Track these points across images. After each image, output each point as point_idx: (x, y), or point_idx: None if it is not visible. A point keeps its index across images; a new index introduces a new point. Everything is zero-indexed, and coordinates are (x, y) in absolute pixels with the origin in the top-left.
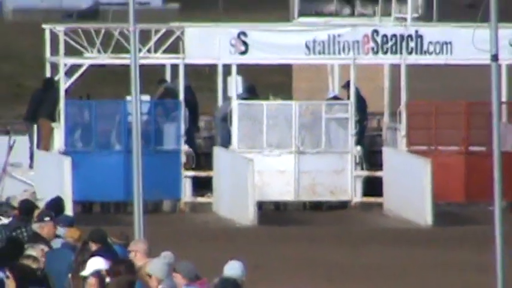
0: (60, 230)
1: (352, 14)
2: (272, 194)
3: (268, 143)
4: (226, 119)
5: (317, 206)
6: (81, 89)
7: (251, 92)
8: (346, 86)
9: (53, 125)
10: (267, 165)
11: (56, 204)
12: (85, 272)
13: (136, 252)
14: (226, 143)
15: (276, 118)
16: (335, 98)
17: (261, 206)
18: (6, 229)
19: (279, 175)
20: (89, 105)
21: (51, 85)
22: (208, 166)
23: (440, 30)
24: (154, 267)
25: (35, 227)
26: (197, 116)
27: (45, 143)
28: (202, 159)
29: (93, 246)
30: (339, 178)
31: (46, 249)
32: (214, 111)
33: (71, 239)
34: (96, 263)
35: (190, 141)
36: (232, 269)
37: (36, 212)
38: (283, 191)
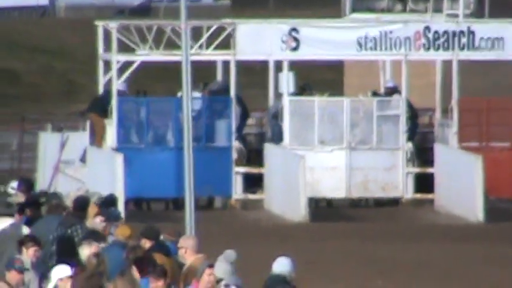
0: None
1: (403, 11)
2: (324, 190)
3: (319, 140)
4: (277, 115)
5: (368, 203)
6: (132, 86)
7: (307, 90)
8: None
9: (106, 121)
10: (319, 162)
11: (109, 202)
12: (50, 286)
13: (186, 249)
14: (277, 139)
15: (327, 114)
16: (393, 88)
17: (311, 202)
18: (62, 226)
19: (331, 172)
20: (141, 102)
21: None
22: (259, 163)
23: (492, 27)
24: (219, 270)
25: (92, 224)
26: (247, 112)
27: (98, 139)
28: (253, 155)
29: (146, 243)
30: (390, 175)
31: (101, 245)
32: (265, 108)
33: (122, 236)
34: (61, 271)
35: (241, 138)
36: (281, 265)
37: (90, 209)
38: (334, 187)
